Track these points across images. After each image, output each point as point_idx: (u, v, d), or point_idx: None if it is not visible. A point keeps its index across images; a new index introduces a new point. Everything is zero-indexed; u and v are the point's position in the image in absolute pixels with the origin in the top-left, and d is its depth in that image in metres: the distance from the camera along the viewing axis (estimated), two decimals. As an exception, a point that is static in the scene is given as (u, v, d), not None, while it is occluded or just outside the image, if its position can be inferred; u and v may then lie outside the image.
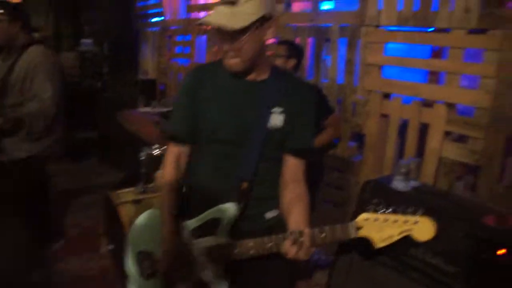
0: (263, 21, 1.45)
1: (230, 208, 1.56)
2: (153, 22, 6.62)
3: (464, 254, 1.63)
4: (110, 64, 7.21)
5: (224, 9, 1.42)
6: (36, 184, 3.11)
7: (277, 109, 1.56)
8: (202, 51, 5.34)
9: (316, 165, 3.20)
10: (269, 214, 1.66)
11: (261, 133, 1.56)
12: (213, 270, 1.58)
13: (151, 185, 3.00)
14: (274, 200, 1.64)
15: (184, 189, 1.77)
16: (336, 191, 3.39)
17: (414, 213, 1.30)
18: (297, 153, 1.63)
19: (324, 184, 3.41)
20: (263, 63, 1.58)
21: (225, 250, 1.54)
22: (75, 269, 3.22)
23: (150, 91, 5.40)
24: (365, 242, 1.35)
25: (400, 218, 1.31)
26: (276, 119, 1.56)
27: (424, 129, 2.80)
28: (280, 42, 3.04)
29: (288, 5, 3.97)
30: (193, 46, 5.46)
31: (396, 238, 1.31)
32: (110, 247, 3.11)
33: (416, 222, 1.29)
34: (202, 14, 5.33)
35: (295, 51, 2.95)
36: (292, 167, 1.63)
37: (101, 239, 3.16)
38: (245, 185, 1.57)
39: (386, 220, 1.32)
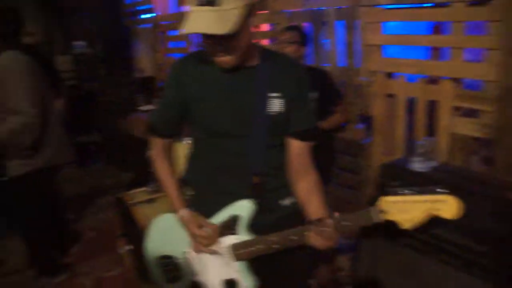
0: (247, 11, 1.37)
1: (246, 205, 1.56)
2: (143, 18, 6.57)
3: (493, 232, 1.62)
4: (105, 65, 7.18)
5: (206, 12, 1.31)
6: (44, 195, 3.02)
7: (274, 94, 1.52)
8: (195, 45, 5.30)
9: (326, 149, 3.21)
10: (284, 202, 1.65)
11: (264, 121, 1.52)
12: (239, 267, 1.60)
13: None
14: (286, 187, 1.63)
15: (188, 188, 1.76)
16: (349, 174, 3.40)
17: (438, 192, 1.25)
18: (301, 136, 1.59)
19: (336, 168, 3.42)
20: (253, 49, 1.52)
21: (249, 247, 1.54)
22: (96, 271, 3.25)
23: (149, 88, 5.38)
24: (390, 226, 1.33)
25: (424, 198, 1.26)
26: (276, 104, 1.53)
27: (432, 107, 2.80)
28: (289, 28, 3.01)
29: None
30: (187, 40, 5.42)
31: (422, 218, 1.27)
32: (129, 247, 3.13)
33: (441, 201, 1.25)
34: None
35: (306, 38, 2.95)
36: (299, 152, 1.60)
37: (118, 240, 3.18)
38: (257, 179, 1.56)
39: (409, 202, 1.28)
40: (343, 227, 1.37)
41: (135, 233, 2.80)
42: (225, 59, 1.43)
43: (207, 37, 1.35)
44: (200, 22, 1.31)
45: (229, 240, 1.59)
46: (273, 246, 1.49)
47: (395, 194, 1.30)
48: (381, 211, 1.31)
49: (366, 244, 2.03)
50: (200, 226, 1.59)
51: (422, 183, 1.36)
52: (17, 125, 2.57)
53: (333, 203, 3.31)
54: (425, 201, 1.26)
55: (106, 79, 6.64)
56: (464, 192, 1.59)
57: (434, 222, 1.29)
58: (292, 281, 1.73)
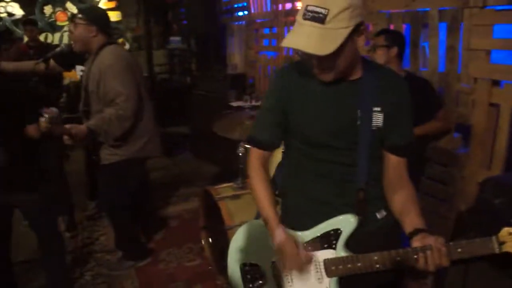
0: (355, 31, 1.33)
1: (350, 220, 1.51)
2: (238, 16, 6.70)
3: None
4: (198, 60, 7.45)
5: (312, 29, 1.29)
6: (131, 183, 3.15)
7: (376, 108, 1.48)
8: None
9: (417, 157, 3.06)
10: (379, 215, 1.60)
11: (367, 135, 1.48)
12: (330, 284, 1.53)
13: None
14: (382, 199, 1.58)
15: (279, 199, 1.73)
16: (440, 185, 3.21)
17: None
18: (399, 151, 1.55)
19: (426, 178, 3.25)
20: (356, 62, 1.48)
21: (347, 264, 1.48)
22: (178, 259, 3.36)
23: (240, 85, 5.48)
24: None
25: None
26: (377, 118, 1.49)
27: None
28: (379, 33, 2.98)
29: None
30: (280, 38, 5.44)
31: None
32: (210, 240, 3.21)
33: None
34: (288, 5, 5.29)
35: (396, 39, 2.89)
36: (395, 166, 1.56)
37: (201, 232, 3.26)
38: (361, 195, 1.52)
39: None
40: (456, 254, 1.29)
41: (218, 227, 2.86)
42: (325, 76, 1.43)
43: (309, 53, 1.33)
44: (303, 38, 1.30)
45: (325, 254, 1.54)
46: (376, 265, 1.41)
47: None
48: (501, 242, 1.23)
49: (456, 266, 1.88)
50: (297, 249, 1.51)
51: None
52: (111, 116, 2.71)
53: (422, 214, 3.15)
54: None
55: (198, 74, 6.88)
56: None
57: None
58: None
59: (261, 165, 1.65)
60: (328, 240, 1.54)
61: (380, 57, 2.87)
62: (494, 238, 1.24)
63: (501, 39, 2.81)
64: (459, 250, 1.28)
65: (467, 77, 2.99)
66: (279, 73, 1.62)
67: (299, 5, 5.05)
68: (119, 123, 2.75)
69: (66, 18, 7.67)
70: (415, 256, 1.32)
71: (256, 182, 1.64)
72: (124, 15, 8.27)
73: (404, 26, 3.54)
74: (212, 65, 6.57)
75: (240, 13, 6.62)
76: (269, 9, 5.71)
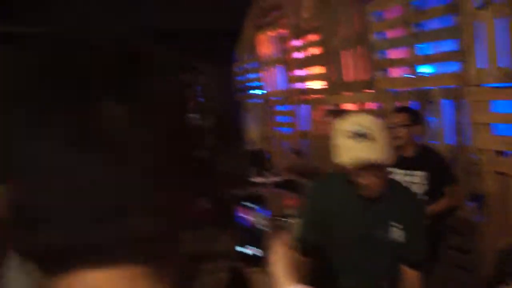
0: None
1: None
2: (254, 94, 7.10)
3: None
4: (215, 136, 7.78)
5: (367, 144, 1.53)
6: None
7: (396, 224, 1.69)
8: (302, 120, 5.64)
9: (434, 229, 3.12)
10: None
11: (386, 247, 1.69)
12: None
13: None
14: None
15: None
16: (461, 254, 3.31)
17: None
18: (414, 266, 1.73)
19: (445, 247, 3.33)
20: None
21: None
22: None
23: (259, 160, 5.68)
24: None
25: None
26: (397, 234, 1.69)
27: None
28: (399, 110, 3.09)
29: (385, 70, 4.11)
30: (294, 115, 5.75)
31: None
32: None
33: None
34: (299, 85, 5.64)
35: (418, 116, 3.00)
36: (410, 278, 1.73)
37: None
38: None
39: None
40: None
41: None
42: (376, 189, 1.64)
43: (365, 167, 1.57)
44: (365, 151, 1.54)
45: None
46: None
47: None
48: None
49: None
50: None
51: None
52: None
53: (442, 284, 3.19)
54: None
55: (215, 150, 7.16)
56: None
57: None
58: None
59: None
60: None
61: (403, 136, 2.84)
62: None
63: (500, 113, 3.04)
64: None
65: (474, 148, 3.19)
66: (315, 187, 1.91)
67: (309, 84, 5.42)
68: None
69: None
70: None
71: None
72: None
73: (411, 103, 3.80)
74: (230, 142, 6.85)
75: (255, 92, 7.02)
76: (282, 87, 6.07)
